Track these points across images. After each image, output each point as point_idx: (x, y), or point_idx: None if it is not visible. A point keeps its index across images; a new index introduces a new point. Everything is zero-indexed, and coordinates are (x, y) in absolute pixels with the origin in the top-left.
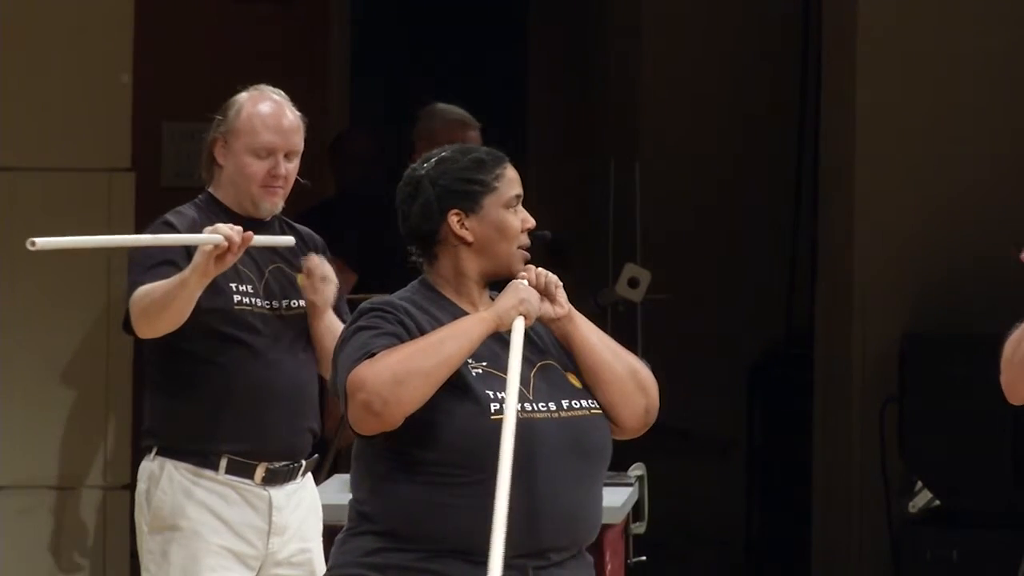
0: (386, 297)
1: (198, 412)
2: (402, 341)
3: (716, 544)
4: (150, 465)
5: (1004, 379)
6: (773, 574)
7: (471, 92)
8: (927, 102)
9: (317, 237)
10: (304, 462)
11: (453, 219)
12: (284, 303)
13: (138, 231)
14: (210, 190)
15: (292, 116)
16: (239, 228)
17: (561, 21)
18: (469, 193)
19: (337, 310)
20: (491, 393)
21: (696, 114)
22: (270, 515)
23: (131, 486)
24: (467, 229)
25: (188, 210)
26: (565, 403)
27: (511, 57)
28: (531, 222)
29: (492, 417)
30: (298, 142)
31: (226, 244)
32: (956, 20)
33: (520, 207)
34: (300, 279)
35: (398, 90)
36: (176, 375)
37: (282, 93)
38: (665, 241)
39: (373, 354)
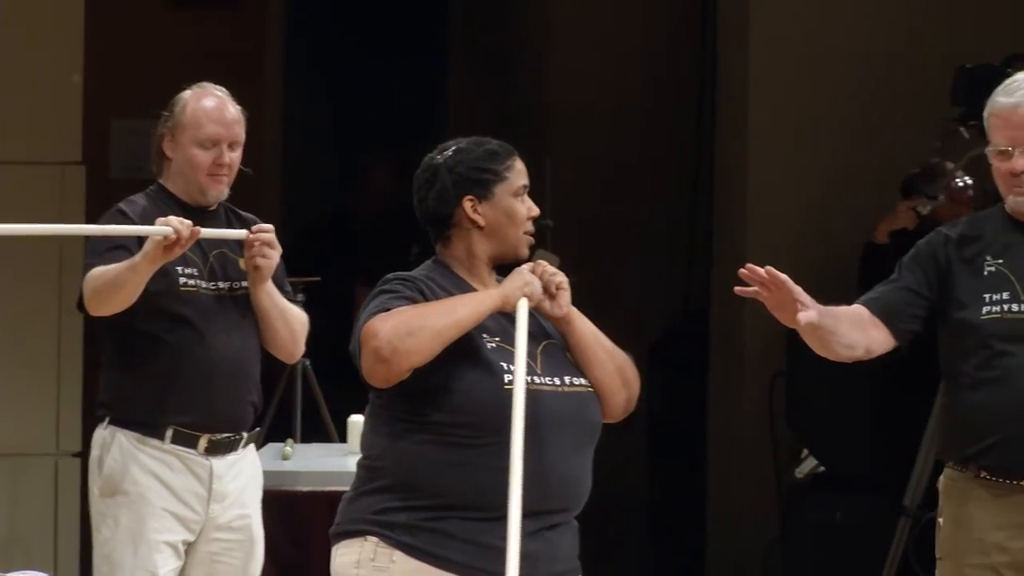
0: (406, 272)
1: (147, 387)
2: None
3: (620, 508)
4: (102, 433)
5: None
6: (672, 536)
7: (395, 98)
8: (815, 102)
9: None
10: (246, 434)
11: (467, 204)
12: (227, 285)
13: (88, 220)
14: (160, 181)
15: (234, 109)
16: (188, 223)
17: (480, 26)
18: (483, 181)
19: (280, 286)
20: (504, 365)
21: (602, 110)
22: (211, 483)
23: (81, 454)
24: (479, 214)
25: (140, 199)
26: (568, 379)
27: (433, 61)
28: (536, 210)
29: (505, 386)
30: (240, 133)
31: (175, 236)
32: (844, 23)
33: (526, 196)
34: (241, 263)
35: (332, 90)
36: (128, 353)
37: (224, 89)
38: (572, 228)
39: (389, 310)
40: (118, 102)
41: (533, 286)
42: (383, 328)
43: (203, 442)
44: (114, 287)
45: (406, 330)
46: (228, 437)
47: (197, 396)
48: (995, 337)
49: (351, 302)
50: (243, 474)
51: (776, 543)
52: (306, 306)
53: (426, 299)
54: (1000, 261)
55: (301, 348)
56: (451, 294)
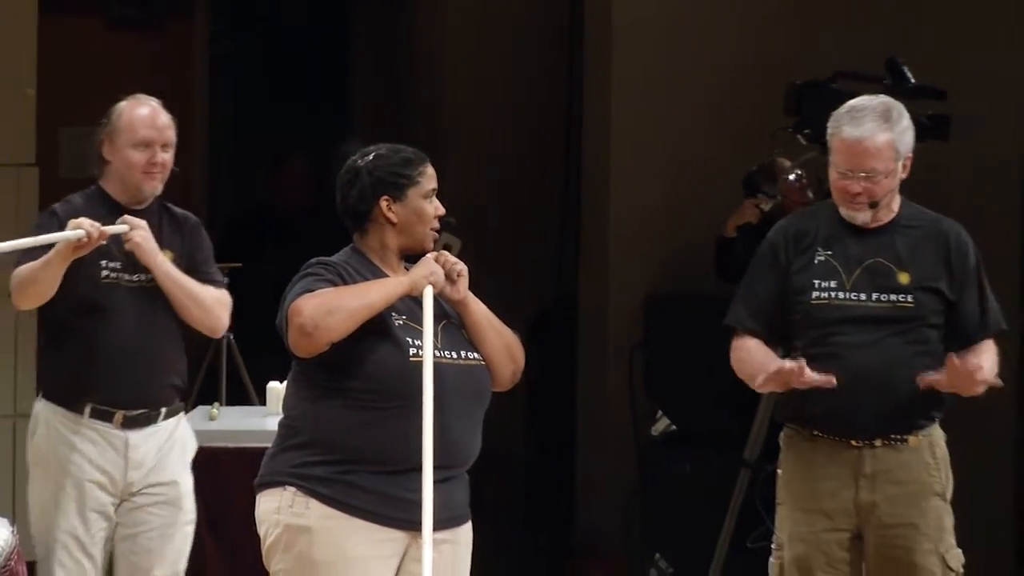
0: (327, 258)
1: (68, 369)
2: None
3: (501, 465)
4: (36, 406)
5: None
6: (546, 489)
7: (306, 105)
8: (670, 108)
9: (192, 217)
10: (164, 409)
11: (383, 203)
12: (147, 276)
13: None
14: (100, 183)
15: (165, 115)
16: (98, 225)
17: (381, 35)
18: (398, 184)
19: (196, 269)
20: (409, 340)
21: (483, 111)
22: (127, 452)
23: None
24: (393, 212)
25: (77, 199)
26: (464, 353)
27: (338, 68)
28: (442, 210)
29: (410, 359)
30: (171, 136)
31: (86, 239)
32: (700, 27)
33: (434, 197)
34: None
35: (251, 96)
36: (54, 338)
37: (156, 99)
38: (459, 219)
39: (313, 291)
40: (66, 111)
41: (437, 275)
42: (307, 307)
43: (119, 417)
44: (31, 282)
45: (326, 309)
46: (143, 413)
47: (112, 377)
48: (825, 320)
49: (272, 285)
50: (164, 443)
51: (635, 493)
52: (231, 288)
53: (345, 282)
54: (829, 252)
55: (220, 322)
56: (366, 279)
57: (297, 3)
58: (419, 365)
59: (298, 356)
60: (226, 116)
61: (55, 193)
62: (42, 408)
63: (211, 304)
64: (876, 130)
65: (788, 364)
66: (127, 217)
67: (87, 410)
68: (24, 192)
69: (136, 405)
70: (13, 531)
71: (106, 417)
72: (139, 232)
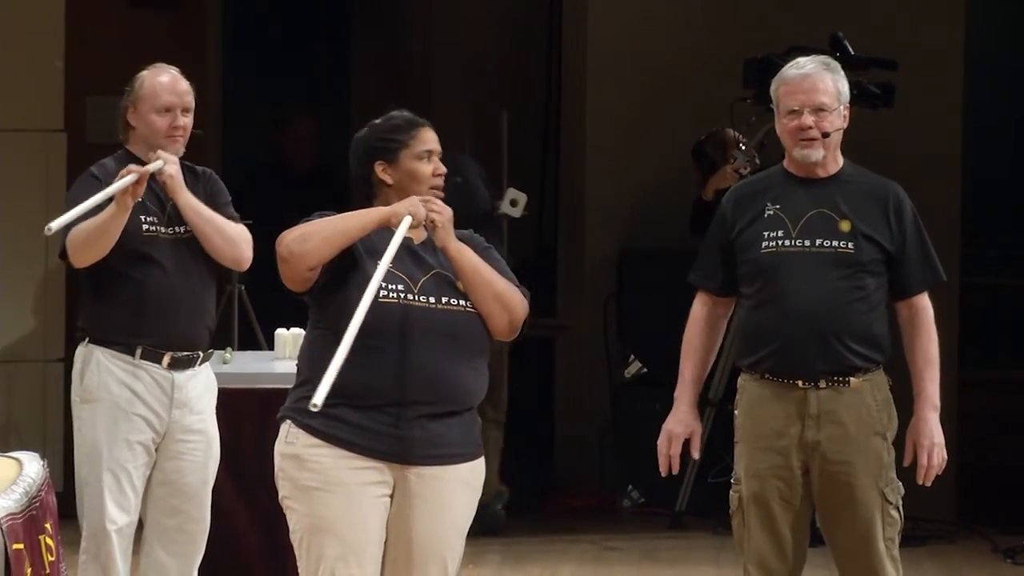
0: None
1: (119, 314)
2: None
3: (488, 406)
4: (83, 350)
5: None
6: (529, 425)
7: (309, 73)
8: (644, 68)
9: (209, 170)
10: (202, 353)
11: (378, 168)
12: (182, 229)
13: (68, 176)
14: (127, 147)
15: (184, 82)
16: (139, 167)
17: (377, 11)
18: (389, 148)
19: (217, 205)
20: (383, 283)
21: (471, 74)
22: (172, 392)
23: (64, 359)
24: (388, 175)
25: (108, 162)
26: (444, 299)
27: (339, 43)
28: (442, 169)
29: (380, 300)
30: (191, 101)
31: (137, 179)
32: (665, 23)
33: (434, 159)
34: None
35: (260, 68)
36: (102, 286)
37: (175, 68)
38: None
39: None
40: (92, 82)
41: (418, 207)
42: (287, 237)
43: (166, 359)
44: (101, 235)
45: (302, 237)
46: (187, 355)
47: (160, 321)
48: (772, 267)
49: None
50: (200, 385)
51: (609, 431)
52: None
53: None
54: (777, 206)
55: (243, 254)
56: (370, 236)
57: None
58: (390, 305)
59: (292, 291)
60: (238, 84)
61: (82, 156)
62: (90, 350)
63: (233, 235)
64: (819, 70)
65: (673, 430)
66: (161, 152)
67: (138, 351)
68: (53, 156)
69: (182, 347)
70: (44, 464)
71: (155, 358)
72: (172, 165)
